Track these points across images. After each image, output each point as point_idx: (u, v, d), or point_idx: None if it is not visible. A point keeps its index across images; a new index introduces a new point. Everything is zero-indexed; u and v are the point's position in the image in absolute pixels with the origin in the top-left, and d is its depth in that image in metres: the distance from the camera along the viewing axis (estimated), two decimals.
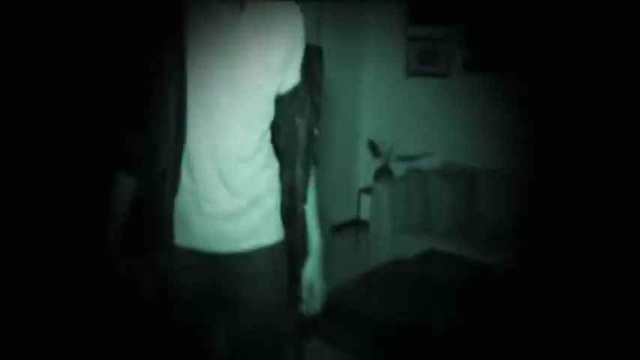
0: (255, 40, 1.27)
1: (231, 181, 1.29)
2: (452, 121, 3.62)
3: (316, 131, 1.43)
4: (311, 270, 1.44)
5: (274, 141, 1.38)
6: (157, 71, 1.24)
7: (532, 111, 3.23)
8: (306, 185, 1.40)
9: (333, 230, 3.83)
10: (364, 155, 4.05)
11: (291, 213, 1.39)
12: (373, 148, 3.86)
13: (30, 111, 2.02)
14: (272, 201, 1.36)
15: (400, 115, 3.87)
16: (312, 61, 1.42)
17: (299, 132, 1.39)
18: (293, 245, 1.41)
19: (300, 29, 1.36)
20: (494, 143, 3.45)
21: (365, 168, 4.03)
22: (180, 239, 1.29)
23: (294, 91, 1.37)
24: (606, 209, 2.79)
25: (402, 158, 3.70)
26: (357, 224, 3.93)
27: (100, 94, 1.46)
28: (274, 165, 1.38)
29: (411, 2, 3.69)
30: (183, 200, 1.29)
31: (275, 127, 1.37)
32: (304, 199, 1.40)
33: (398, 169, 3.71)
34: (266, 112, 1.34)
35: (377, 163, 3.84)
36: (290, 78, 1.36)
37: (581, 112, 3.04)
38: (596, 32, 2.95)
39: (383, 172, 3.74)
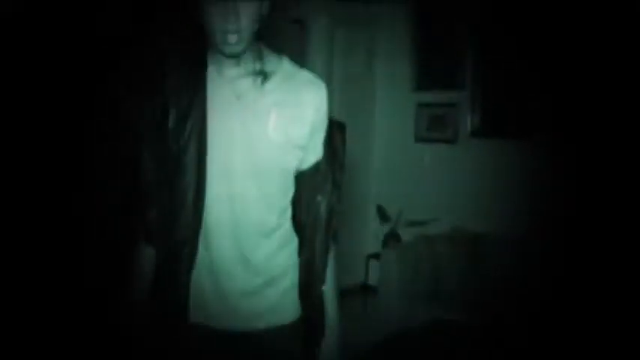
0: (277, 114, 1.24)
1: (249, 257, 1.26)
2: (461, 186, 3.61)
3: (337, 208, 1.40)
4: (328, 348, 1.38)
5: (294, 217, 1.35)
6: (177, 142, 1.23)
7: (540, 178, 3.22)
8: (325, 264, 1.36)
9: (340, 296, 3.74)
10: (372, 220, 4.01)
11: (309, 292, 1.34)
12: (382, 213, 3.83)
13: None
14: (290, 279, 1.32)
15: (409, 180, 3.86)
16: (335, 136, 1.39)
17: (320, 210, 1.35)
18: (310, 324, 1.36)
19: (324, 104, 1.32)
20: (502, 209, 3.41)
21: (373, 233, 3.98)
22: (195, 316, 1.25)
23: (316, 168, 1.34)
24: (615, 278, 2.72)
25: (411, 223, 3.67)
26: (365, 290, 3.85)
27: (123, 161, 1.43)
28: (294, 242, 1.35)
29: (420, 68, 3.76)
30: (200, 275, 1.25)
31: (295, 204, 1.34)
32: (323, 279, 1.36)
33: (406, 234, 3.67)
34: (287, 189, 1.31)
35: (385, 229, 3.80)
36: (312, 154, 1.32)
37: (590, 180, 3.02)
38: (603, 102, 2.97)
39: (391, 238, 3.70)
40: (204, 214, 1.23)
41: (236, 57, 1.22)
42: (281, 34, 2.09)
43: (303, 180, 1.33)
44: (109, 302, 1.91)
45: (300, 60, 3.42)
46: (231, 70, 1.25)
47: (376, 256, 3.59)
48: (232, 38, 1.17)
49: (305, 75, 1.32)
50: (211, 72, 1.26)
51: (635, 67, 2.85)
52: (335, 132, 1.38)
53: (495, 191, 3.45)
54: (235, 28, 1.16)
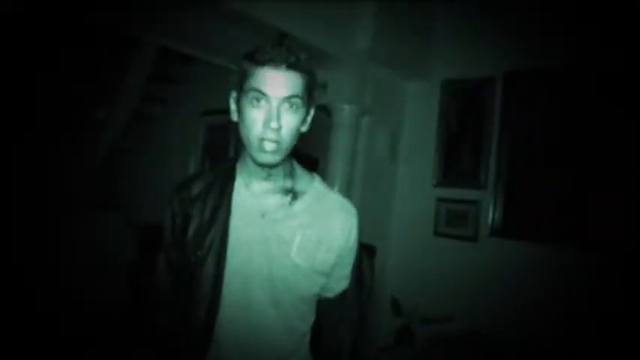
0: (303, 237, 1.20)
1: None
2: (478, 285, 3.50)
3: (359, 343, 1.31)
4: None
5: (314, 344, 1.29)
6: (195, 253, 1.19)
7: (561, 284, 3.12)
8: None
9: None
10: (385, 313, 3.89)
11: None
12: (396, 306, 3.72)
13: None
14: None
15: (426, 274, 3.77)
16: (363, 262, 1.33)
17: (344, 343, 1.28)
18: None
19: (354, 232, 1.27)
20: (520, 313, 3.27)
21: (385, 326, 3.85)
22: None
23: (342, 297, 1.28)
24: None
25: (425, 320, 3.54)
26: None
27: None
28: None
29: (442, 164, 3.77)
30: None
31: (317, 330, 1.28)
32: None
33: (420, 330, 3.53)
34: (307, 314, 1.26)
35: (398, 323, 3.67)
36: (338, 283, 1.27)
37: (613, 289, 2.92)
38: (629, 211, 2.92)
39: (405, 334, 3.56)
40: (218, 328, 1.18)
41: (269, 167, 1.19)
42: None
43: (327, 308, 1.27)
44: None
45: (325, 144, 3.53)
46: (260, 185, 1.22)
47: (386, 350, 3.45)
48: (270, 146, 1.13)
49: (336, 198, 1.28)
50: (238, 184, 1.23)
51: None
52: (364, 257, 1.32)
53: (513, 293, 3.34)
54: (275, 137, 1.13)
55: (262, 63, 1.14)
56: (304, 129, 1.22)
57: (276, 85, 1.13)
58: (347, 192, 3.22)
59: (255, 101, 1.14)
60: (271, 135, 1.13)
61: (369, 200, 3.55)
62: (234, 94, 1.23)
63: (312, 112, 1.24)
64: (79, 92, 4.71)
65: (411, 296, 3.72)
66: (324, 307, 1.27)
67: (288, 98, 1.14)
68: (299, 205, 1.23)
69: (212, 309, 1.16)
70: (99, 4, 2.69)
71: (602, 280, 2.97)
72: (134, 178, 5.52)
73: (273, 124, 1.12)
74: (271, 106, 1.13)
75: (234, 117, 1.22)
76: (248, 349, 1.18)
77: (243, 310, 1.18)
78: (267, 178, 1.22)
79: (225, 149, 4.54)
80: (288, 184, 1.23)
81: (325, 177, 1.24)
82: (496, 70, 3.57)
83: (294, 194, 1.23)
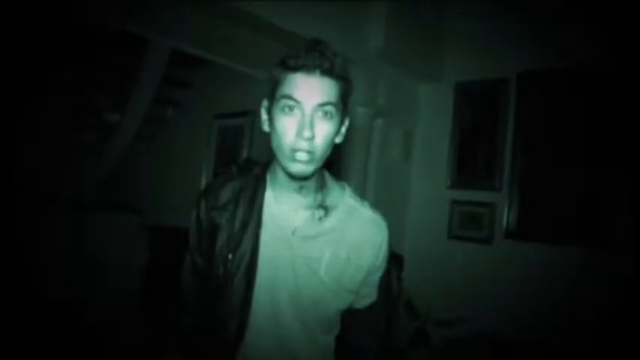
0: (332, 255, 1.17)
1: None
2: (493, 288, 3.46)
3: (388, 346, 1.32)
4: None
5: (338, 354, 1.27)
6: (225, 265, 1.16)
7: (576, 286, 3.08)
8: None
9: None
10: (400, 316, 3.86)
11: None
12: (410, 308, 3.69)
13: None
14: None
15: (440, 277, 3.74)
16: (391, 272, 1.32)
17: (368, 354, 1.28)
18: None
19: (384, 247, 1.24)
20: (536, 315, 3.23)
21: (400, 329, 3.82)
22: None
23: (370, 309, 1.26)
24: None
25: (439, 323, 3.51)
26: None
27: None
28: None
29: (456, 165, 3.75)
30: None
31: (342, 340, 1.26)
32: None
33: (435, 333, 3.50)
34: (332, 327, 1.25)
35: (413, 325, 3.64)
36: (366, 297, 1.25)
37: (631, 288, 2.87)
38: None
39: (420, 336, 3.53)
40: (247, 341, 1.17)
41: (301, 179, 1.15)
42: None
43: (354, 319, 1.25)
44: None
45: (338, 146, 3.50)
46: (290, 198, 1.18)
47: (401, 352, 3.43)
48: (303, 156, 1.07)
49: (366, 213, 1.25)
50: (269, 197, 1.20)
51: None
52: (392, 268, 1.33)
53: (529, 296, 3.30)
54: (308, 147, 1.07)
55: (295, 69, 1.08)
56: (339, 140, 1.18)
57: (309, 91, 1.07)
58: (360, 194, 3.20)
59: (287, 109, 1.09)
60: (304, 145, 1.07)
61: (382, 202, 3.52)
62: (265, 103, 1.18)
63: (346, 122, 1.21)
64: (92, 95, 4.74)
65: (425, 299, 3.69)
66: (351, 318, 1.25)
67: (322, 105, 1.08)
68: (329, 221, 1.19)
69: (242, 323, 1.15)
70: (111, 6, 2.70)
71: (618, 282, 2.93)
72: (147, 180, 5.55)
73: (307, 133, 1.07)
74: (304, 114, 1.07)
75: (266, 127, 1.17)
76: (278, 356, 1.18)
77: (271, 325, 1.17)
78: (299, 191, 1.18)
79: (238, 152, 4.54)
80: (319, 198, 1.19)
81: (338, 179, 1.24)
82: (510, 70, 3.54)
83: (325, 210, 1.19)
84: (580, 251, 3.13)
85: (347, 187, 1.28)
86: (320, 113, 1.10)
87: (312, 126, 1.08)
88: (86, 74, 4.56)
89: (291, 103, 1.08)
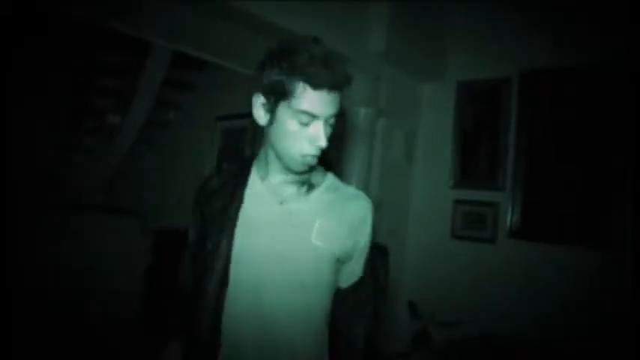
0: (322, 222, 1.22)
1: None
2: (496, 288, 3.45)
3: (376, 336, 1.35)
4: None
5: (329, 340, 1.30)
6: (211, 242, 1.22)
7: (581, 286, 3.07)
8: None
9: None
10: (401, 317, 3.86)
11: None
12: (413, 309, 3.69)
13: None
14: None
15: (443, 277, 3.73)
16: (377, 262, 1.37)
17: (357, 339, 1.30)
18: None
19: (369, 218, 1.30)
20: (539, 315, 3.22)
21: (402, 330, 3.81)
22: None
23: (355, 287, 1.30)
24: None
25: (442, 324, 3.50)
26: None
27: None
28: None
29: (459, 165, 3.74)
30: None
31: (332, 327, 1.29)
32: None
33: (438, 334, 3.49)
34: (324, 306, 1.27)
35: (415, 326, 3.63)
36: (353, 271, 1.29)
37: (635, 288, 2.86)
38: None
39: (422, 338, 3.52)
40: (229, 309, 1.20)
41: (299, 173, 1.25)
42: None
43: (341, 299, 1.29)
44: None
45: (340, 147, 3.51)
46: (277, 177, 1.25)
47: (403, 355, 3.42)
48: (313, 160, 1.19)
49: (350, 189, 1.32)
50: (253, 178, 1.27)
51: None
52: (377, 257, 1.37)
53: (532, 296, 3.29)
54: (318, 152, 1.18)
55: (317, 87, 1.14)
56: None
57: (326, 107, 1.15)
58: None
59: (303, 122, 1.16)
60: (316, 151, 1.17)
61: (385, 203, 3.52)
62: (262, 100, 1.23)
63: None
64: (93, 98, 4.74)
65: (428, 299, 3.68)
66: (338, 297, 1.28)
67: (332, 116, 1.18)
68: (315, 194, 1.26)
69: (222, 287, 1.19)
70: (113, 9, 2.70)
71: (622, 282, 2.92)
72: (149, 183, 5.54)
73: (323, 143, 1.16)
74: (319, 126, 1.16)
75: (263, 122, 1.24)
76: (262, 332, 1.19)
77: (255, 293, 1.19)
78: (285, 172, 1.24)
79: (241, 154, 4.54)
80: (305, 176, 1.26)
81: (341, 180, 1.30)
82: (512, 70, 3.54)
83: (309, 185, 1.26)
84: (583, 251, 3.12)
85: (330, 172, 1.35)
86: (329, 122, 1.19)
87: (326, 134, 1.17)
88: (88, 77, 4.57)
89: (308, 118, 1.16)
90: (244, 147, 4.51)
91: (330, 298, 1.28)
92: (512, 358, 3.09)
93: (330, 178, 1.31)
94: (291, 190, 1.24)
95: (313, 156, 1.17)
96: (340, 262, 1.26)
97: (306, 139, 1.16)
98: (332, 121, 1.19)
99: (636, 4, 2.94)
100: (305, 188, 1.25)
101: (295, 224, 1.21)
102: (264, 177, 1.25)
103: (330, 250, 1.22)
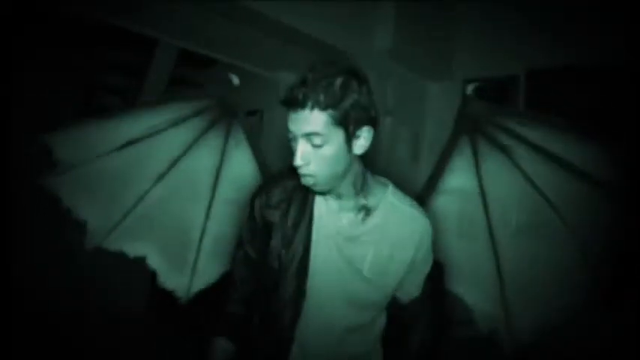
0: (375, 253, 1.24)
1: None
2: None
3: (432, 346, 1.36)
4: None
5: (384, 350, 1.34)
6: (279, 260, 1.25)
7: None
8: None
9: None
10: None
11: None
12: None
13: None
14: None
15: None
16: (434, 275, 1.37)
17: (411, 350, 1.33)
18: None
19: (426, 243, 1.30)
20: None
21: None
22: None
23: (413, 304, 1.32)
24: None
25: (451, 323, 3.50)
26: None
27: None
28: None
29: None
30: None
31: (386, 335, 1.34)
32: None
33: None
34: (377, 323, 1.32)
35: None
36: (409, 291, 1.32)
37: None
38: None
39: None
40: (299, 332, 1.25)
41: (322, 194, 1.25)
42: None
43: (398, 312, 1.32)
44: None
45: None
46: (334, 203, 1.26)
47: None
48: (306, 180, 1.18)
49: (408, 210, 1.30)
50: (318, 199, 1.28)
51: None
52: (434, 272, 1.36)
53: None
54: (305, 171, 1.17)
55: (284, 105, 1.18)
56: (359, 152, 1.22)
57: (295, 124, 1.17)
58: None
59: (291, 140, 1.19)
60: (302, 170, 1.18)
61: None
62: None
63: (360, 133, 1.22)
64: (100, 96, 4.75)
65: None
66: (395, 310, 1.32)
67: (308, 135, 1.16)
68: (371, 221, 1.25)
69: (295, 315, 1.23)
70: (119, 7, 2.71)
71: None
72: None
73: (295, 161, 1.17)
74: (296, 145, 1.18)
75: None
76: (326, 351, 1.26)
77: (320, 320, 1.24)
78: (339, 197, 1.24)
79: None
80: (361, 201, 1.25)
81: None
82: (519, 68, 3.52)
83: (366, 211, 1.25)
84: None
85: (390, 185, 1.33)
86: (309, 142, 1.17)
87: (301, 155, 1.17)
88: (94, 75, 4.57)
89: (290, 136, 1.19)
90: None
91: (385, 320, 1.33)
92: (518, 357, 3.09)
93: (390, 195, 1.30)
94: (347, 217, 1.25)
95: (304, 175, 1.18)
96: (395, 288, 1.28)
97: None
98: (315, 141, 1.16)
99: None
100: (362, 214, 1.24)
101: (349, 255, 1.23)
102: (326, 199, 1.27)
103: (382, 281, 1.24)
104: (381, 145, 3.51)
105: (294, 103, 1.16)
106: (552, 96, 3.37)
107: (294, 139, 1.18)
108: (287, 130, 1.19)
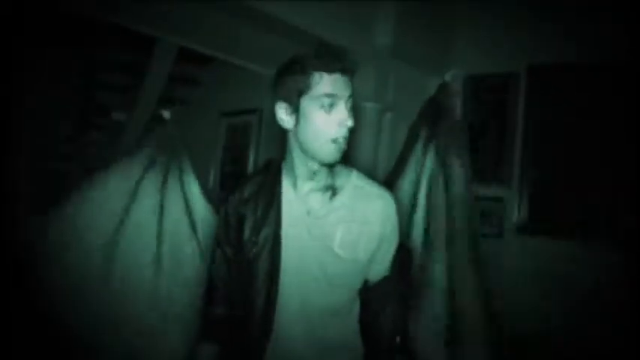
0: (345, 231, 1.27)
1: None
2: (504, 284, 3.43)
3: (402, 327, 1.45)
4: None
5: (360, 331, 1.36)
6: (251, 250, 1.28)
7: (589, 282, 3.05)
8: None
9: None
10: None
11: None
12: None
13: None
14: None
15: None
16: (403, 259, 1.42)
17: (383, 328, 1.36)
18: None
19: (392, 217, 1.34)
20: (548, 310, 3.21)
21: None
22: None
23: (382, 284, 1.35)
24: None
25: None
26: None
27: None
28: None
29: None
30: None
31: (361, 317, 1.35)
32: None
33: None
34: (353, 306, 1.34)
35: None
36: (379, 269, 1.35)
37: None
38: None
39: None
40: (277, 319, 1.26)
41: (331, 166, 1.29)
42: None
43: (368, 294, 1.35)
44: None
45: (347, 141, 3.48)
46: (304, 185, 1.29)
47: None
48: (343, 142, 1.24)
49: (372, 189, 1.35)
50: (286, 185, 1.31)
51: None
52: (405, 255, 1.46)
53: (540, 291, 3.28)
54: (346, 133, 1.24)
55: (332, 71, 1.24)
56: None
57: (342, 86, 1.25)
58: None
59: (327, 106, 1.23)
60: (344, 132, 1.24)
61: None
62: (284, 106, 1.29)
63: None
64: (99, 94, 4.75)
65: None
66: (368, 294, 1.34)
67: (350, 97, 1.27)
68: (338, 199, 1.29)
69: (269, 299, 1.25)
70: (118, 5, 2.70)
71: (630, 277, 2.90)
72: None
73: (350, 122, 1.23)
74: (343, 108, 1.23)
75: (289, 124, 1.29)
76: (305, 338, 1.27)
77: (297, 306, 1.26)
78: (312, 177, 1.29)
79: (246, 150, 4.53)
80: (329, 181, 1.30)
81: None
82: (520, 64, 3.52)
83: (333, 190, 1.29)
84: (591, 247, 3.10)
85: (354, 170, 1.39)
86: (349, 104, 1.26)
87: (352, 113, 1.25)
88: (93, 73, 4.56)
89: (330, 100, 1.23)
90: (250, 143, 4.51)
91: (357, 295, 1.35)
92: (520, 355, 3.09)
93: (354, 178, 1.35)
94: (316, 198, 1.29)
95: (344, 138, 1.23)
96: (366, 264, 1.31)
97: (332, 123, 1.22)
98: (350, 104, 1.25)
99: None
100: (329, 194, 1.28)
101: (320, 235, 1.26)
102: (294, 184, 1.30)
103: (354, 258, 1.26)
104: (381, 141, 3.50)
105: (343, 67, 1.25)
106: (553, 93, 3.36)
107: (337, 103, 1.24)
108: (326, 95, 1.23)
